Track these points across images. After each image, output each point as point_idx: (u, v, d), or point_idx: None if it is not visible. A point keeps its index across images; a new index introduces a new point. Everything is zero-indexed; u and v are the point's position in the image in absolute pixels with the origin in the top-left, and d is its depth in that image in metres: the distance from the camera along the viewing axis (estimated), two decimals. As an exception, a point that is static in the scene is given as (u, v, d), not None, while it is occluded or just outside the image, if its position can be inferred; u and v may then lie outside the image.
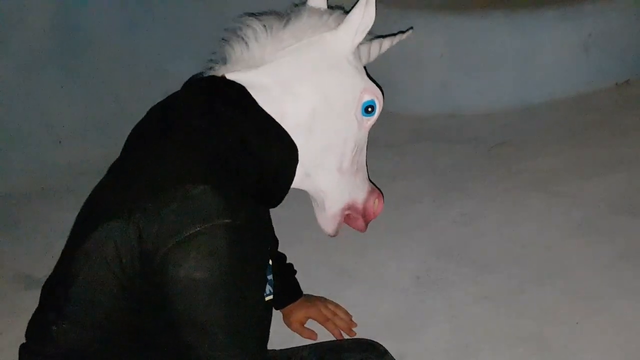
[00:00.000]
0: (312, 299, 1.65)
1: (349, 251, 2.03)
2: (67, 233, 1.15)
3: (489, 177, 2.40)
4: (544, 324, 1.71)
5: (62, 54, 2.75)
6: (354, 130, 1.22)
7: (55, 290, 1.13)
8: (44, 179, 2.61)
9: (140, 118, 1.22)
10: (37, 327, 1.14)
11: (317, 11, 1.23)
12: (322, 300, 1.66)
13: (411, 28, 1.63)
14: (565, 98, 2.87)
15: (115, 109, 2.83)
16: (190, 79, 1.21)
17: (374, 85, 1.25)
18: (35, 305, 1.16)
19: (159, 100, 1.22)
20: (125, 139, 1.22)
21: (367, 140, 1.29)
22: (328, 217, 1.30)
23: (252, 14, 1.20)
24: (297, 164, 1.18)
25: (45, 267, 1.22)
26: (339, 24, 1.19)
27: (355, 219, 1.34)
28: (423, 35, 2.85)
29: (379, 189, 1.38)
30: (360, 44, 1.24)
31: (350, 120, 1.21)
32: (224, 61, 1.19)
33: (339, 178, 1.24)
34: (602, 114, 2.75)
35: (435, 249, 2.03)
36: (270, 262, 1.32)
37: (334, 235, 1.34)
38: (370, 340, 1.46)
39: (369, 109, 1.22)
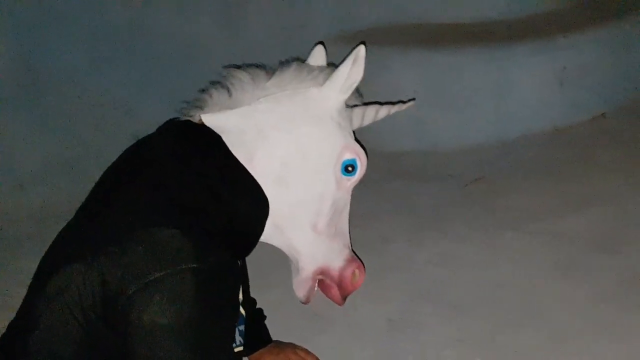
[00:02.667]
0: (282, 346, 1.67)
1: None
2: (27, 283, 1.16)
3: (465, 216, 2.46)
4: (520, 367, 1.74)
5: (24, 95, 2.78)
6: (332, 188, 1.25)
7: (14, 340, 1.13)
8: (2, 225, 2.60)
9: (106, 161, 1.26)
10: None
11: (307, 66, 1.28)
12: (292, 346, 1.69)
13: (413, 99, 1.66)
14: (541, 132, 2.98)
15: (79, 152, 2.85)
16: (165, 123, 1.25)
17: (358, 145, 1.28)
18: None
19: (125, 142, 1.26)
20: (90, 182, 1.25)
21: (348, 204, 1.31)
22: (300, 280, 1.33)
23: (237, 66, 1.24)
24: (266, 218, 1.21)
25: (1, 320, 1.22)
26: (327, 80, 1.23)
27: (329, 287, 1.36)
28: (396, 71, 2.95)
29: (361, 261, 1.37)
30: (355, 106, 1.28)
31: (328, 176, 1.24)
32: (201, 104, 1.23)
33: (314, 238, 1.27)
34: (578, 148, 2.85)
35: (409, 291, 2.07)
36: (243, 311, 1.33)
37: (305, 302, 1.36)
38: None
39: (349, 169, 1.25)
